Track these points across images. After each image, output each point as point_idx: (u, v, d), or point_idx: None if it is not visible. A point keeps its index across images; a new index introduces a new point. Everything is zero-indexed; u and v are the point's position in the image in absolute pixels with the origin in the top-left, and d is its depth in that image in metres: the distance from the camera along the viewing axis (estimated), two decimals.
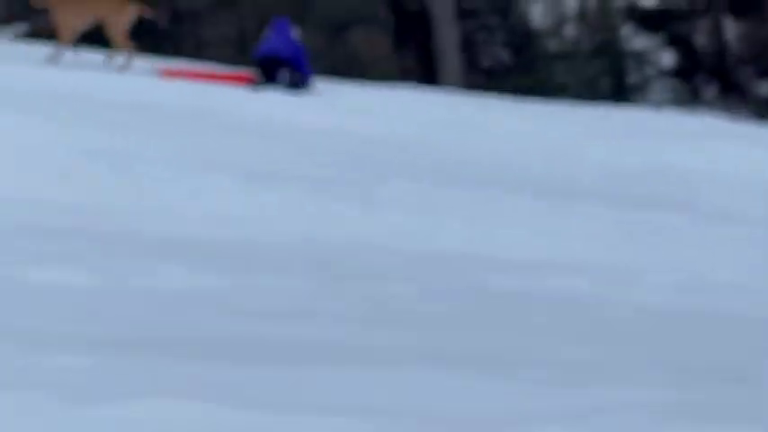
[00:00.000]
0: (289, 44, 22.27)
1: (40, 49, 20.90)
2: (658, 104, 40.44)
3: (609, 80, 44.35)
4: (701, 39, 44.49)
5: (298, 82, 21.70)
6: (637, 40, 45.80)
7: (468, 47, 39.37)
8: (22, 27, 35.69)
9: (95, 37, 22.01)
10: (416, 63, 40.95)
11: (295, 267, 7.83)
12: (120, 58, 19.42)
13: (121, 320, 5.46)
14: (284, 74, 21.49)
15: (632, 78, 45.10)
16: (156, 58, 28.35)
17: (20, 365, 3.84)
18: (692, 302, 8.05)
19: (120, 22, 19.30)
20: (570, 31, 47.48)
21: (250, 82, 21.83)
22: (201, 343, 4.73)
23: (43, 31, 21.53)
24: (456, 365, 4.63)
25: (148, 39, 34.15)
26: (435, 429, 3.24)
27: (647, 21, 44.91)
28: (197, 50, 37.80)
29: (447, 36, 38.14)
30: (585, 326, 6.91)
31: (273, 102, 19.15)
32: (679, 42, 44.13)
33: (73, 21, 19.08)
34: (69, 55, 19.18)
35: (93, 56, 20.56)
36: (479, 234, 10.21)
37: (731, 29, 43.96)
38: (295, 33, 22.78)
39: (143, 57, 25.35)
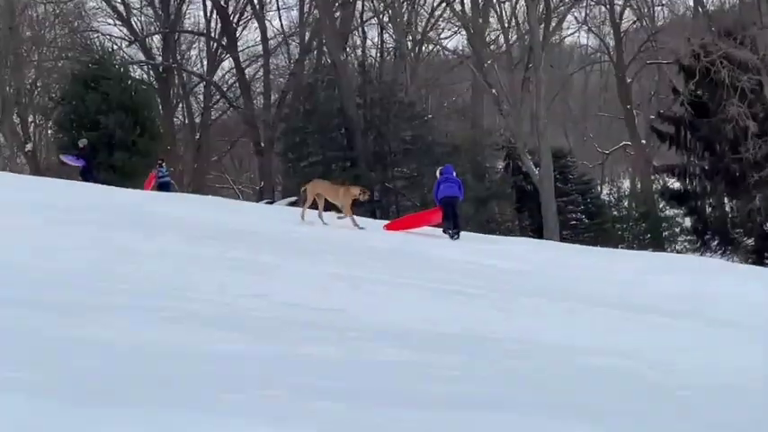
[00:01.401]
0: (460, 189, 22.65)
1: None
2: (682, 251, 45.73)
3: (651, 235, 48.90)
4: (708, 210, 48.70)
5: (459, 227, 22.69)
6: (668, 210, 50.61)
7: (562, 213, 42.09)
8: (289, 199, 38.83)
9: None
10: (530, 223, 43.55)
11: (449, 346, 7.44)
12: (347, 218, 21.46)
13: None
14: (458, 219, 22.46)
15: (665, 234, 49.78)
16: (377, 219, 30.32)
17: None
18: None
19: (347, 201, 21.30)
20: (626, 203, 53.04)
21: (438, 217, 22.48)
22: None
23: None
24: None
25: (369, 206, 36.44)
26: None
27: (675, 198, 49.40)
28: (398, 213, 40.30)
29: (549, 207, 42.04)
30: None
31: (446, 245, 19.45)
32: (695, 212, 48.79)
33: (317, 197, 21.91)
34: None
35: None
36: (562, 328, 9.64)
37: (728, 204, 48.56)
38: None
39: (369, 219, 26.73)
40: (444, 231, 21.73)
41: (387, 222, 24.67)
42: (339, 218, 21.97)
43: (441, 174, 22.76)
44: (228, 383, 4.68)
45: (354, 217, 21.68)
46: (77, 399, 3.86)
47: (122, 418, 3.62)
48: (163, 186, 32.87)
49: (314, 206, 22.13)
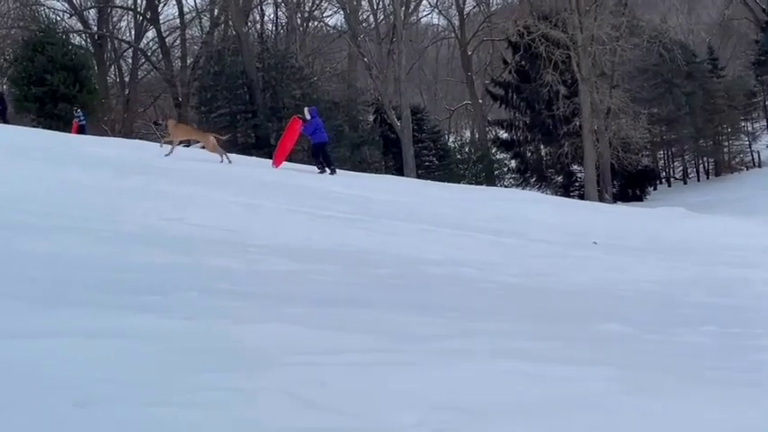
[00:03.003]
0: (326, 133, 22.14)
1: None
2: (509, 186, 45.79)
3: (485, 174, 49.13)
4: (528, 155, 49.54)
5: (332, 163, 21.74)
6: (498, 155, 51.11)
7: (418, 156, 42.14)
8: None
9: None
10: (393, 164, 43.54)
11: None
12: (219, 156, 19.40)
13: None
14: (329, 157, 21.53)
15: (496, 173, 50.09)
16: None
17: None
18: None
19: (208, 143, 20.27)
20: (466, 149, 53.00)
21: (297, 124, 21.28)
22: None
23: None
24: None
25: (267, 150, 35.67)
26: None
27: (503, 145, 50.59)
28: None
29: (408, 151, 41.60)
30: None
31: (326, 180, 18.81)
32: (518, 156, 49.87)
33: (179, 138, 20.21)
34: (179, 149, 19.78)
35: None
36: (416, 244, 9.35)
37: (543, 150, 49.27)
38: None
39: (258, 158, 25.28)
40: (321, 172, 20.39)
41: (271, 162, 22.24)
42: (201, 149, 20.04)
43: (310, 114, 21.33)
44: (151, 287, 4.56)
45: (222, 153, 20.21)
46: (32, 300, 3.73)
47: (68, 316, 3.49)
48: (81, 129, 30.67)
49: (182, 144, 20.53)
